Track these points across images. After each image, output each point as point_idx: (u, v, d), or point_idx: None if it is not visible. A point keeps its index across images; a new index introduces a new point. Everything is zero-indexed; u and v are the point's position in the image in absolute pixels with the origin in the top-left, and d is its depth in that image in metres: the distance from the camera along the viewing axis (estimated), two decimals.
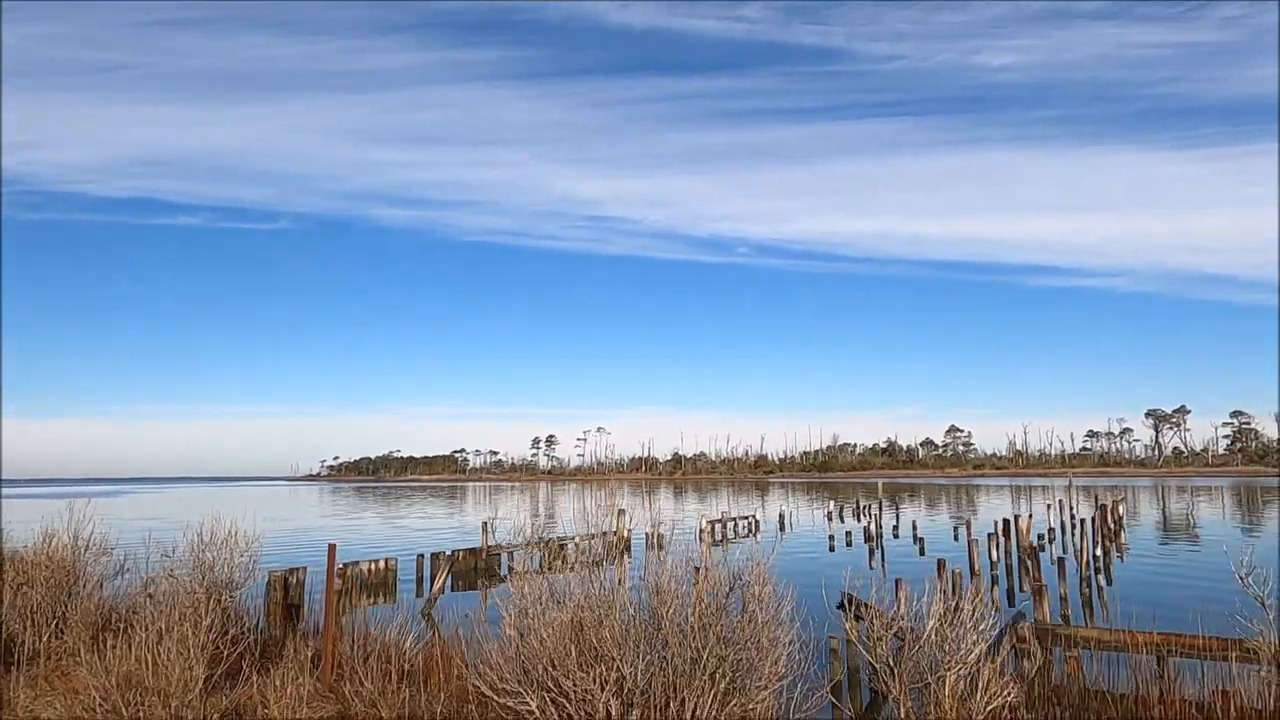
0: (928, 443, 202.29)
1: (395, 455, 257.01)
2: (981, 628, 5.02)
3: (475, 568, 25.17)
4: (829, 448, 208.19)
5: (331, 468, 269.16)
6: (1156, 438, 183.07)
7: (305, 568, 21.36)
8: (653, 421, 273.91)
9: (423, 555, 24.50)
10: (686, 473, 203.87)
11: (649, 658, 4.80)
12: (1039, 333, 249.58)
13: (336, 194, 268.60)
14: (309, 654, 10.11)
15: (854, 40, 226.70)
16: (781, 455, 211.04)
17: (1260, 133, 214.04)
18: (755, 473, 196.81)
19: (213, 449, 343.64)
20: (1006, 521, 23.03)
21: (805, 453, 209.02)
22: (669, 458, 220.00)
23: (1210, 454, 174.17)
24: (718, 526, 36.36)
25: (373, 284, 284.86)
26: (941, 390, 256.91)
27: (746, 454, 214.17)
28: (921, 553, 28.02)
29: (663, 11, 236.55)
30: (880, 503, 38.60)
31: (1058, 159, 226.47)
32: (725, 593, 5.22)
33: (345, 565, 21.26)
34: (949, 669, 4.76)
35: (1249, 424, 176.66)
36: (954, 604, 5.09)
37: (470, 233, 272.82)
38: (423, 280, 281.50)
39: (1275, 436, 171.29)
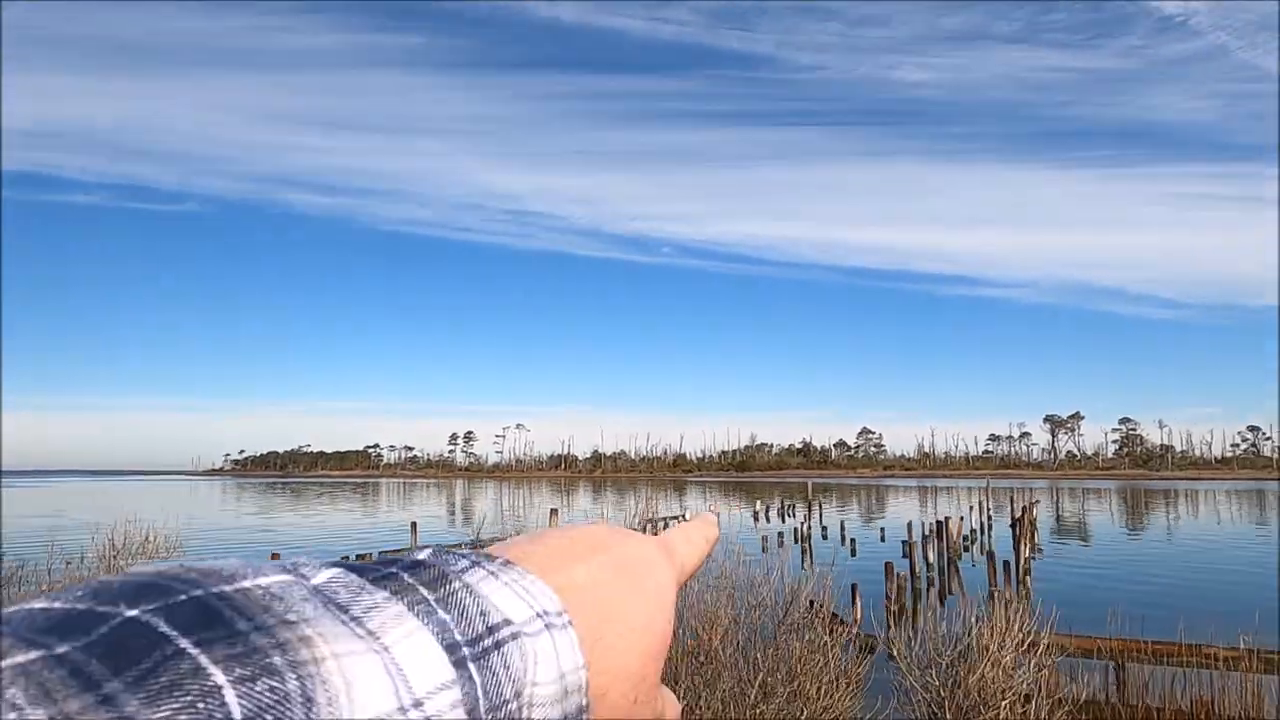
0: (841, 444, 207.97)
1: (305, 450, 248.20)
2: (1035, 650, 4.83)
3: None
4: (747, 447, 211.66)
5: (236, 462, 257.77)
6: (1053, 442, 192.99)
7: None
8: (573, 419, 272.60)
9: (347, 557, 23.35)
10: (606, 471, 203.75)
11: (695, 687, 4.42)
12: (947, 340, 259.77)
13: (248, 176, 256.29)
14: None
15: (780, 48, 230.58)
16: (700, 454, 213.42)
17: (1150, 157, 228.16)
18: (674, 472, 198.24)
19: (104, 441, 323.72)
20: (939, 523, 23.54)
21: (724, 452, 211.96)
22: (589, 456, 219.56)
23: (1100, 458, 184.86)
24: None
25: (284, 271, 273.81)
26: (855, 393, 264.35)
27: (666, 453, 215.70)
28: (853, 554, 28.43)
29: (591, 8, 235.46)
30: (810, 503, 39.19)
31: (967, 173, 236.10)
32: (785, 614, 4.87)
33: None
34: (1004, 698, 4.55)
35: (1135, 430, 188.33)
36: (1010, 624, 4.89)
37: (388, 222, 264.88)
38: (338, 269, 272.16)
39: (1159, 442, 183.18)
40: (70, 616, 0.21)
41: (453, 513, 62.73)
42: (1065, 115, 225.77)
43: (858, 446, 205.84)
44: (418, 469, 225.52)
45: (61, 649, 0.20)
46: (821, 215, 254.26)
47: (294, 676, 0.22)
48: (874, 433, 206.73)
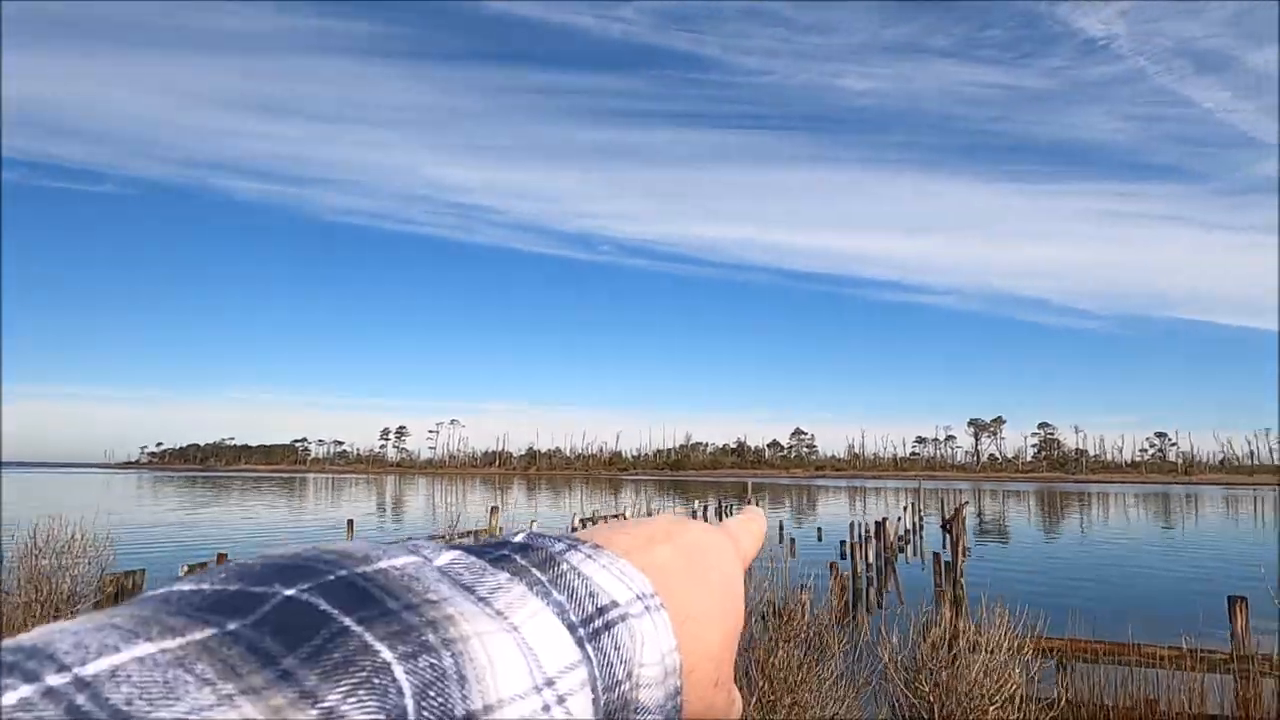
0: (774, 444, 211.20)
1: (228, 443, 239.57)
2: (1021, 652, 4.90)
3: None
4: (682, 446, 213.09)
5: (154, 455, 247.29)
6: (976, 445, 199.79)
7: (143, 571, 19.19)
8: (508, 416, 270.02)
9: None
10: (541, 469, 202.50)
11: None
12: (879, 343, 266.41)
13: (177, 160, 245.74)
14: None
15: (727, 52, 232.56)
16: (636, 453, 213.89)
17: (1071, 173, 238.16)
18: (610, 470, 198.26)
19: (7, 432, 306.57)
20: (878, 524, 24.03)
21: (659, 451, 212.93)
22: (524, 453, 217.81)
23: (1020, 461, 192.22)
24: (588, 525, 35.93)
25: (212, 258, 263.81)
26: (789, 394, 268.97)
27: (602, 451, 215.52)
28: (792, 554, 28.80)
29: (541, 5, 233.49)
30: (749, 503, 39.55)
31: (902, 181, 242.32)
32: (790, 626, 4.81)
33: (191, 566, 19.18)
34: (992, 702, 4.61)
35: (1053, 434, 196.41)
36: (999, 626, 4.95)
37: (327, 212, 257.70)
38: (271, 257, 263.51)
39: (1074, 446, 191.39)
40: (227, 596, 0.22)
41: (384, 509, 61.39)
42: (996, 130, 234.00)
43: (791, 447, 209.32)
44: (347, 464, 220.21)
45: (232, 626, 0.21)
46: (763, 218, 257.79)
47: (448, 654, 0.22)
48: (806, 433, 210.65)
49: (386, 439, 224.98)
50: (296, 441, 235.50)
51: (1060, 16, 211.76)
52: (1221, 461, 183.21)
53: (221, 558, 8.34)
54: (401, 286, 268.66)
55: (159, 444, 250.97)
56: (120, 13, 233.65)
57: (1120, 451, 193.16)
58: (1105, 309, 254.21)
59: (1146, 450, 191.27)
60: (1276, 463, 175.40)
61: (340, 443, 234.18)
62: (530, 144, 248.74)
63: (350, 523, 26.60)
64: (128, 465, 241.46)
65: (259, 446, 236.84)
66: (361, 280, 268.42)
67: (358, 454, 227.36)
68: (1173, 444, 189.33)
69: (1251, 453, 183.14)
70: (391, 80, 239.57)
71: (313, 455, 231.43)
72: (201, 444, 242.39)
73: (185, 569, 19.14)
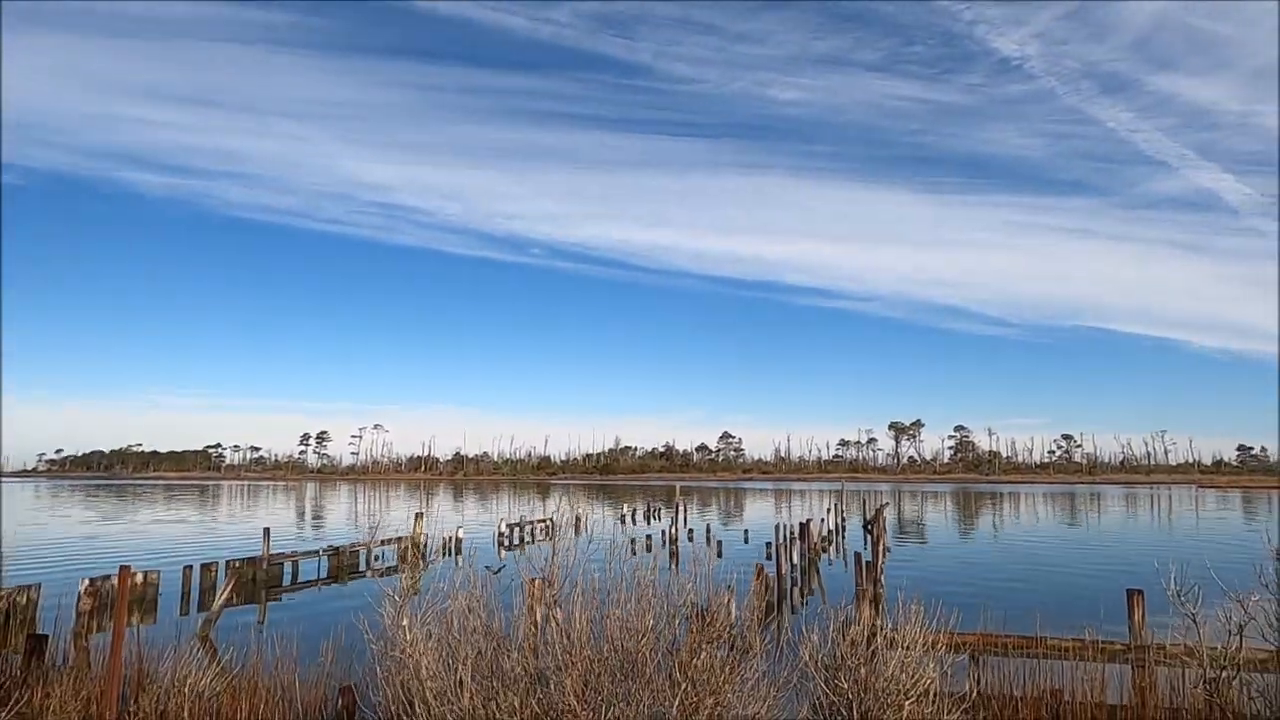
0: (702, 447, 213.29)
1: (135, 449, 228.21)
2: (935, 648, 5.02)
3: (254, 579, 22.60)
4: (611, 450, 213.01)
5: (52, 462, 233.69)
6: (896, 447, 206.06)
7: (39, 585, 18.11)
8: (434, 420, 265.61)
9: (190, 567, 21.55)
10: (468, 473, 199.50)
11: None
12: (804, 348, 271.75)
13: (76, 149, 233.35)
14: (65, 697, 8.36)
15: (659, 59, 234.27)
16: (565, 457, 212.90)
17: (987, 186, 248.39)
18: (538, 474, 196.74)
19: None
20: (802, 525, 24.47)
21: (588, 455, 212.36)
22: (450, 458, 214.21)
23: (938, 462, 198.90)
24: (515, 530, 35.59)
25: (116, 253, 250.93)
26: (717, 397, 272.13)
27: (530, 455, 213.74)
28: (719, 555, 29.09)
29: (473, 3, 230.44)
30: (677, 507, 39.87)
31: (829, 190, 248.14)
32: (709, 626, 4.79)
33: (92, 580, 18.19)
34: (907, 697, 4.70)
35: (968, 437, 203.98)
36: (913, 625, 5.06)
37: (241, 207, 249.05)
38: (181, 254, 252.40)
39: (988, 448, 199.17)
40: None
41: (303, 517, 59.47)
42: (918, 142, 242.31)
43: (718, 450, 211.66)
44: (264, 471, 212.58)
45: None
46: (691, 223, 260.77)
47: None
48: (734, 437, 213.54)
49: (306, 444, 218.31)
50: (210, 447, 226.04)
51: (978, 36, 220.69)
52: (1122, 462, 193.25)
53: (124, 571, 7.93)
54: (322, 286, 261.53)
55: (59, 451, 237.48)
56: None
57: (1030, 453, 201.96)
58: (1017, 317, 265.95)
59: (1054, 452, 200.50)
60: (1201, 463, 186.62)
61: (257, 448, 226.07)
62: (458, 144, 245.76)
63: (266, 531, 25.63)
64: (24, 474, 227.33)
65: (169, 453, 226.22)
66: (279, 280, 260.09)
67: (276, 460, 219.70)
68: (1078, 445, 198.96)
69: (1149, 453, 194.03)
70: (311, 73, 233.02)
71: (227, 462, 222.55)
72: (106, 450, 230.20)
73: (86, 583, 18.13)
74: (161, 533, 43.08)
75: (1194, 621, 7.23)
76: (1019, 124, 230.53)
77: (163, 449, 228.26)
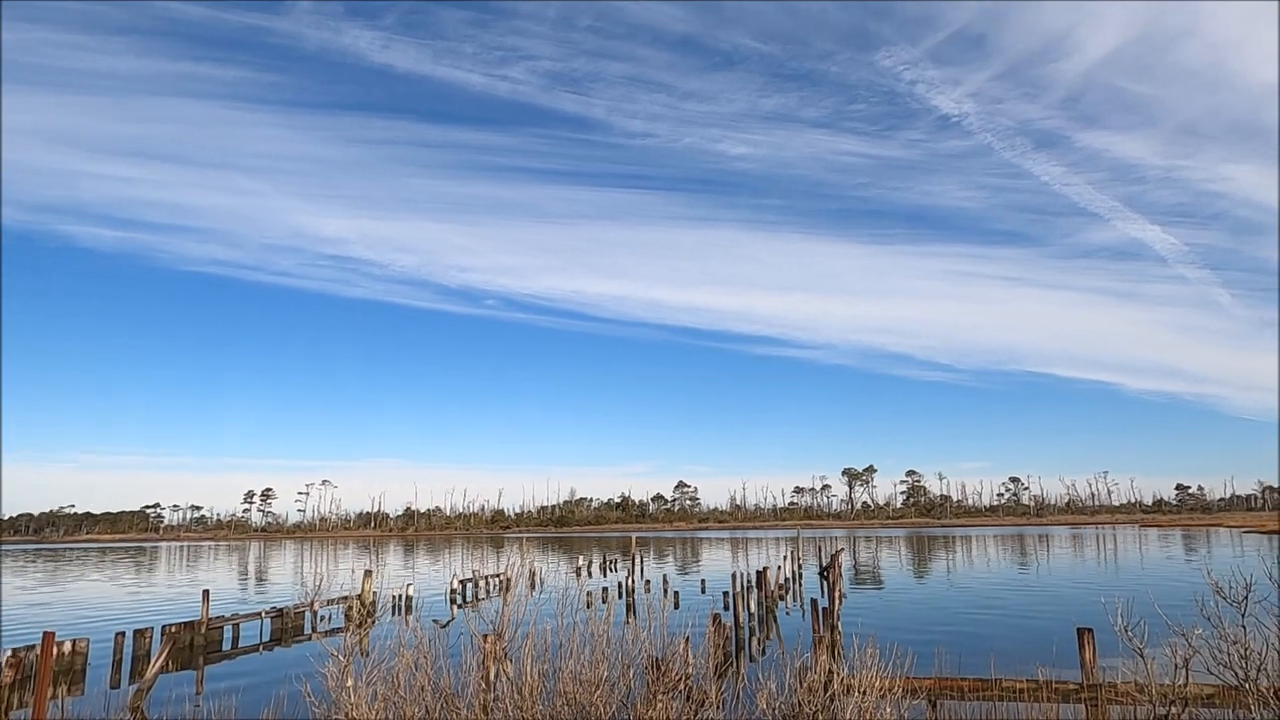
0: (658, 497, 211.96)
1: (67, 511, 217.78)
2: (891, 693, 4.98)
3: (192, 644, 21.56)
4: (566, 503, 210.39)
5: None
6: (850, 493, 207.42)
7: None
8: (384, 474, 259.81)
9: (122, 633, 20.47)
10: (420, 529, 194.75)
11: None
12: (757, 396, 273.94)
13: (19, 204, 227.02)
14: None
15: (611, 114, 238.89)
16: (519, 510, 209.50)
17: (930, 237, 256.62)
18: (492, 528, 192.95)
19: None
20: (759, 574, 24.33)
21: (543, 507, 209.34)
22: (401, 513, 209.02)
23: (891, 507, 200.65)
24: (468, 585, 34.73)
25: (52, 307, 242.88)
26: (672, 447, 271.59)
27: (484, 509, 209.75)
28: (676, 606, 28.73)
29: (427, 59, 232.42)
30: (634, 557, 39.37)
31: (779, 242, 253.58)
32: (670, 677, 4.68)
33: (14, 651, 17.18)
34: None
35: (919, 481, 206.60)
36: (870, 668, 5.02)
37: (192, 261, 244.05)
38: (127, 309, 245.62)
39: (939, 492, 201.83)
40: None
41: (246, 577, 57.22)
42: (863, 195, 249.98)
43: (674, 500, 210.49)
44: (206, 530, 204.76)
45: None
46: (645, 275, 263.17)
47: None
48: (690, 486, 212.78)
49: (250, 502, 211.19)
50: (148, 507, 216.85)
51: (918, 95, 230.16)
52: (1068, 503, 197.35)
53: (49, 639, 7.52)
54: (269, 340, 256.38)
55: None
56: None
57: (980, 496, 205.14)
58: (962, 363, 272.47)
59: (1003, 494, 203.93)
60: (1142, 502, 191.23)
61: (198, 507, 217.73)
62: (413, 198, 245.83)
63: (206, 593, 24.55)
64: None
65: (104, 514, 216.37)
66: (228, 334, 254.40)
67: (218, 519, 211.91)
68: (1025, 488, 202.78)
69: (1093, 494, 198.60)
70: (265, 128, 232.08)
71: (166, 522, 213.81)
72: (35, 513, 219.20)
73: (8, 654, 17.09)
74: (93, 598, 41.00)
75: (1141, 657, 7.34)
76: (959, 177, 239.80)
77: (97, 510, 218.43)
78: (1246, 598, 6.93)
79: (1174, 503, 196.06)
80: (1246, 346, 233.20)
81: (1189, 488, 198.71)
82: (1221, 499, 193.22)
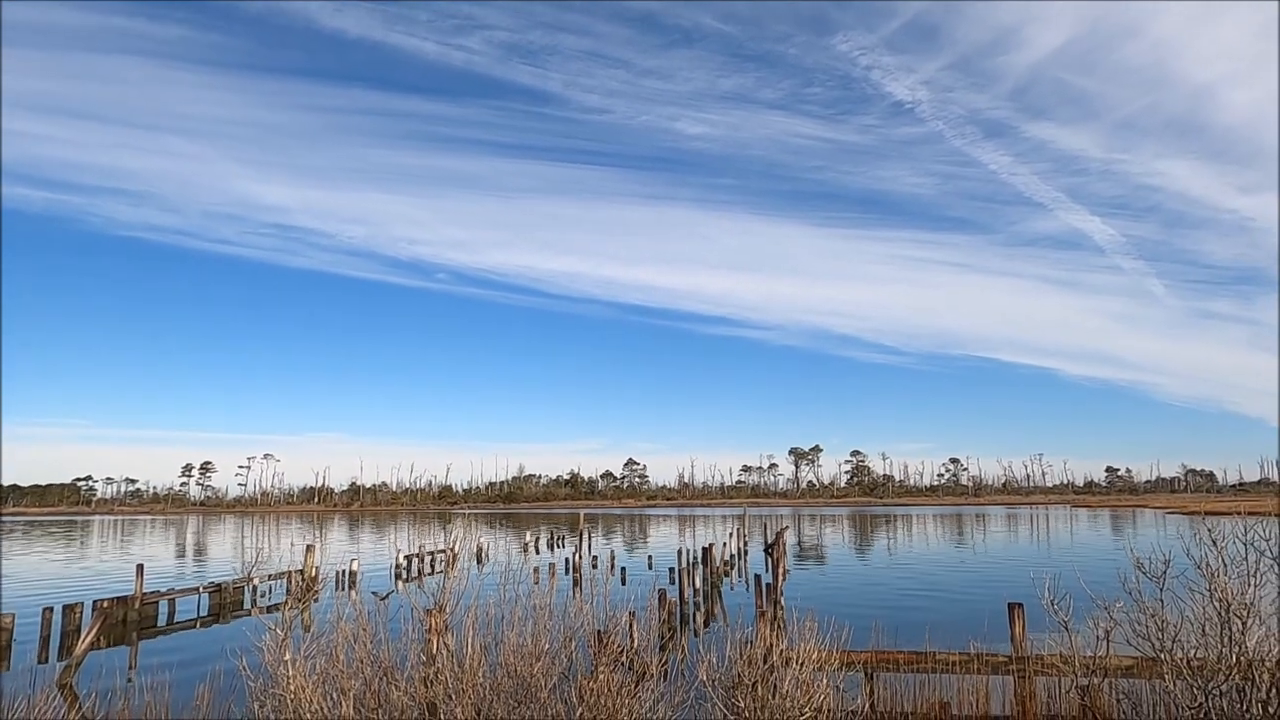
0: (607, 475, 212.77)
1: None
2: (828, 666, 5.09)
3: (125, 619, 21.01)
4: (515, 479, 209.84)
5: None
6: (796, 472, 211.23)
7: None
8: (329, 448, 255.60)
9: (50, 608, 19.83)
10: (365, 504, 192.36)
11: None
12: (707, 375, 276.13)
13: None
14: None
15: (569, 89, 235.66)
16: (467, 486, 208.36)
17: (880, 221, 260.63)
18: (439, 504, 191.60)
19: None
20: (705, 550, 24.63)
21: (491, 484, 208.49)
22: (346, 488, 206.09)
23: (835, 486, 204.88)
24: (414, 561, 34.47)
25: None
26: (622, 425, 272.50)
27: (431, 484, 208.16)
28: (623, 582, 28.97)
29: (379, 25, 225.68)
30: (582, 533, 39.50)
31: (732, 222, 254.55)
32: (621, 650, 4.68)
33: None
34: (802, 712, 4.74)
35: (863, 461, 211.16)
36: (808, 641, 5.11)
37: (126, 226, 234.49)
38: (55, 273, 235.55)
39: (882, 472, 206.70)
40: None
41: (183, 552, 55.87)
42: (816, 178, 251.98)
43: (623, 477, 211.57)
44: (141, 504, 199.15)
45: None
46: (597, 251, 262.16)
47: None
48: (639, 464, 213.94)
49: (189, 475, 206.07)
50: (79, 480, 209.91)
51: (873, 80, 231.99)
52: (1004, 484, 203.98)
53: None
54: (209, 308, 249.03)
55: None
56: None
57: (921, 476, 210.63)
58: (909, 346, 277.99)
59: (943, 475, 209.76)
60: (1074, 484, 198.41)
61: (133, 480, 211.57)
62: (362, 168, 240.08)
63: (140, 568, 23.91)
64: None
65: (31, 487, 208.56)
66: (165, 302, 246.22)
67: (154, 493, 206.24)
68: (964, 469, 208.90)
69: (1029, 475, 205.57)
70: (206, 90, 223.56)
71: (99, 495, 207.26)
72: None
73: None
74: (20, 572, 39.62)
75: (1066, 630, 7.65)
76: (911, 164, 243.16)
77: (24, 483, 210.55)
78: (1165, 573, 7.26)
79: (1103, 484, 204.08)
80: (1177, 335, 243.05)
81: (1118, 470, 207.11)
82: (1148, 481, 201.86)
